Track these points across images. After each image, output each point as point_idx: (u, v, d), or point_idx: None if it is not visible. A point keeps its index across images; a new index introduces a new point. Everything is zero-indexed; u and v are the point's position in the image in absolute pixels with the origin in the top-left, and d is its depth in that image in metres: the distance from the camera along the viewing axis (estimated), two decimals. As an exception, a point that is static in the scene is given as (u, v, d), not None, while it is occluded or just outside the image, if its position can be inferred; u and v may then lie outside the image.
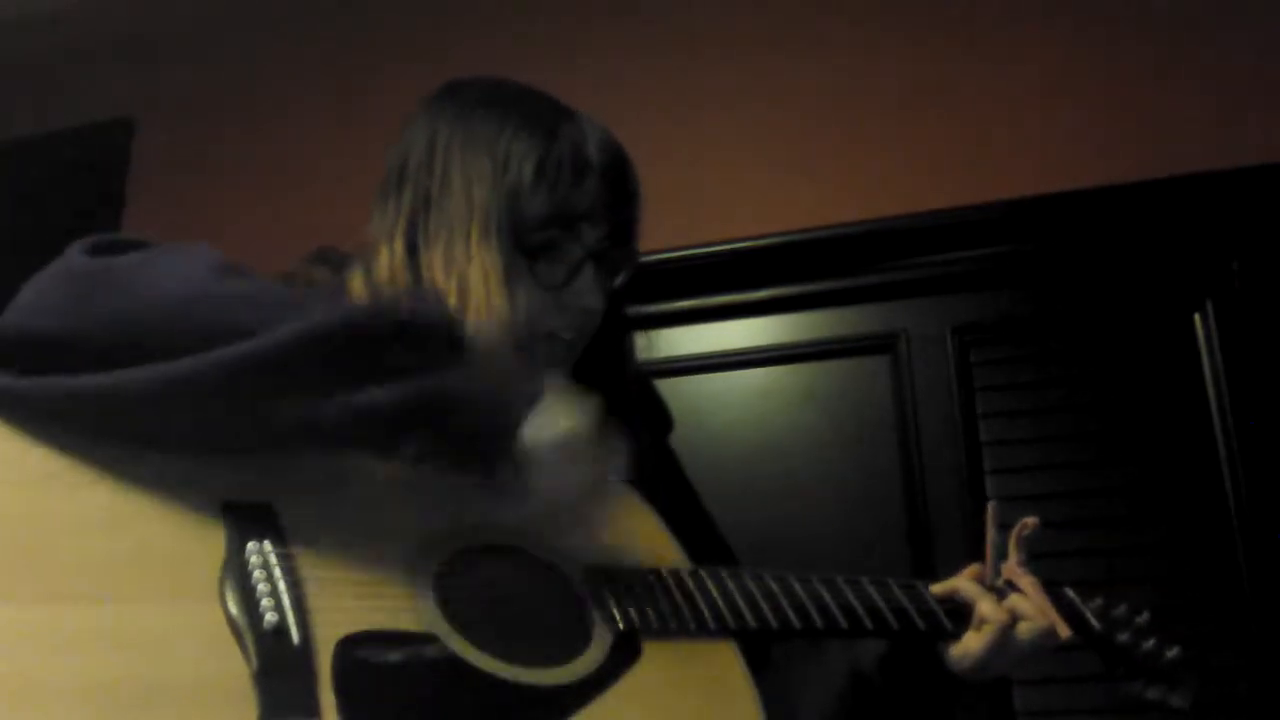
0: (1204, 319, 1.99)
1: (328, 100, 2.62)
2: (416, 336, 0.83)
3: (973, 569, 1.13)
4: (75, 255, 0.87)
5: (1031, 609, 1.06)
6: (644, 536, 1.02)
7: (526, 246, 1.03)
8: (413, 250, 1.03)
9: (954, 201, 2.10)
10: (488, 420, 0.84)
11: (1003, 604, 1.06)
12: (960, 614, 1.07)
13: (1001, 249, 2.10)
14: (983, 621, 1.04)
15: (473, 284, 0.99)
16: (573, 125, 1.07)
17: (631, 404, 1.15)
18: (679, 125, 2.31)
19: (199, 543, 0.81)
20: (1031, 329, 2.09)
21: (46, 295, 0.84)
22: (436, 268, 1.01)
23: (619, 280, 1.10)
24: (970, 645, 1.05)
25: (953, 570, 1.14)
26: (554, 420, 0.85)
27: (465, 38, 2.54)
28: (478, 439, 0.85)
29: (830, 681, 1.12)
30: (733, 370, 2.22)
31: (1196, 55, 2.08)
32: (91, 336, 0.81)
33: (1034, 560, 1.14)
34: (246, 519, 0.84)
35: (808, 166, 2.24)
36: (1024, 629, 1.05)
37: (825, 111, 2.26)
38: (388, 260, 1.03)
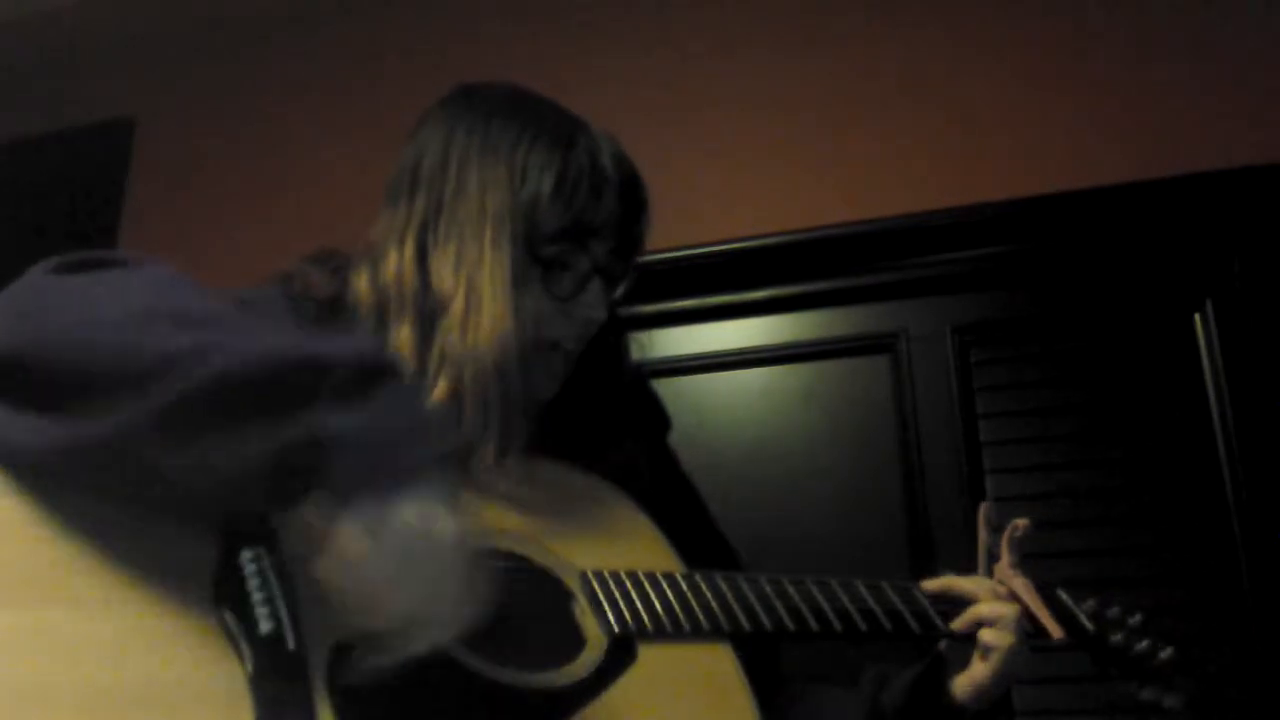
0: (1204, 319, 1.98)
1: (328, 101, 2.62)
2: (318, 369, 0.76)
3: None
4: (37, 273, 0.85)
5: (990, 611, 1.06)
6: (639, 541, 1.02)
7: (539, 258, 1.03)
8: (423, 253, 1.03)
9: (954, 201, 2.10)
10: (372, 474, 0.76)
11: (998, 620, 1.06)
12: (955, 613, 1.08)
13: (1001, 249, 2.10)
14: (988, 649, 1.05)
15: (482, 288, 0.99)
16: (588, 139, 1.07)
17: (627, 405, 1.16)
18: (678, 125, 2.31)
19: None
20: (1031, 329, 2.08)
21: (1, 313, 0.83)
22: (446, 270, 1.01)
23: (618, 292, 1.10)
24: (977, 674, 1.05)
25: (952, 570, 1.14)
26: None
27: (465, 39, 2.55)
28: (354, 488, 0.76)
29: None
30: (733, 370, 2.22)
31: (1196, 55, 2.08)
32: (25, 357, 0.79)
33: (1032, 560, 1.14)
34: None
35: (808, 166, 2.23)
36: (989, 636, 1.05)
37: (824, 111, 2.26)
38: (396, 261, 1.03)
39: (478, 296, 0.99)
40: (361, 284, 1.03)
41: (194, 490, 0.78)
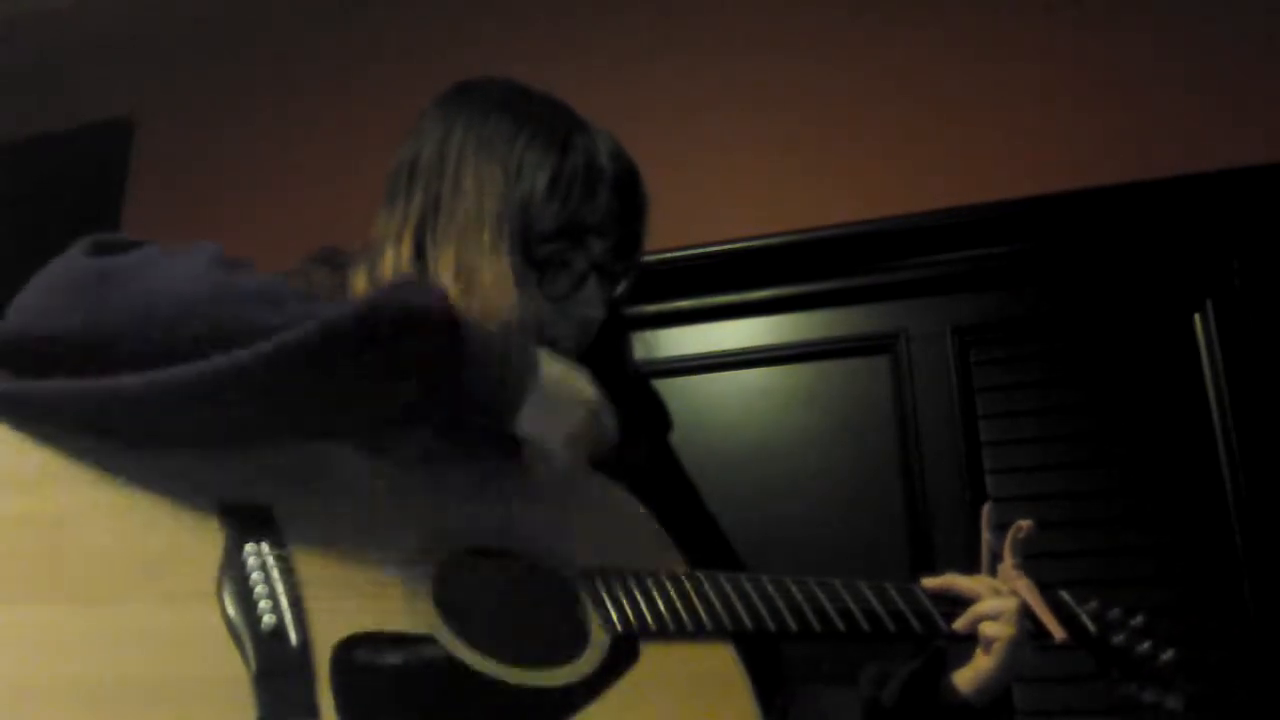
0: (1204, 319, 1.98)
1: (328, 100, 2.62)
2: (416, 326, 0.83)
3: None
4: (76, 255, 0.86)
5: (991, 607, 1.06)
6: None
7: (535, 257, 1.03)
8: (420, 252, 1.03)
9: (954, 201, 2.10)
10: (488, 405, 0.84)
11: (1000, 614, 1.06)
12: (955, 613, 1.08)
13: (1001, 249, 2.10)
14: (990, 641, 1.05)
15: (483, 287, 0.99)
16: (585, 136, 1.07)
17: (629, 405, 1.16)
18: (679, 125, 2.31)
19: (197, 544, 0.81)
20: (1031, 329, 2.08)
21: (47, 296, 0.84)
22: (444, 270, 1.01)
23: (620, 289, 1.10)
24: (980, 667, 1.05)
25: (952, 570, 1.14)
26: (553, 401, 0.85)
27: (465, 38, 2.55)
28: (478, 423, 0.85)
29: None
30: (733, 370, 2.22)
31: (1196, 55, 2.08)
32: (97, 336, 0.80)
33: (1032, 560, 1.14)
34: (245, 520, 0.84)
35: (808, 166, 2.23)
36: (991, 628, 1.05)
37: (825, 111, 2.26)
38: (393, 260, 1.03)
39: (479, 300, 0.98)
40: (360, 283, 1.04)
41: (327, 416, 0.85)
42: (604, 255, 1.07)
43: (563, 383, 0.90)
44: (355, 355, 0.81)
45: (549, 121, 1.07)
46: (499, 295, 0.99)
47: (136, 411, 0.81)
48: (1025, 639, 1.05)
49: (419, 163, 1.07)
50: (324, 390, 0.81)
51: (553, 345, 1.05)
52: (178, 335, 0.80)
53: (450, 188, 1.04)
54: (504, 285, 0.99)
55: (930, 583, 1.10)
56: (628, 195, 1.07)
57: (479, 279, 0.99)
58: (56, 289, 0.84)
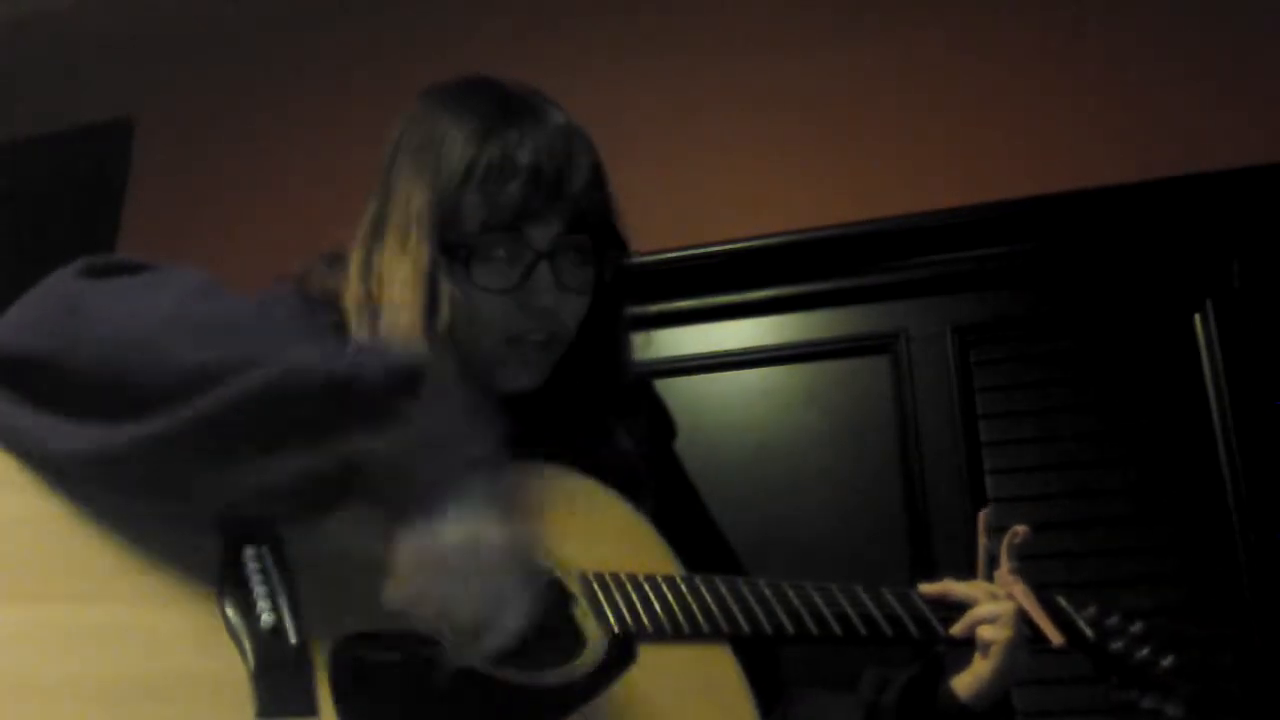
0: (1204, 319, 1.98)
1: (328, 101, 2.62)
2: (349, 393, 0.77)
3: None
4: (66, 276, 0.86)
5: (988, 611, 1.06)
6: (636, 543, 1.02)
7: (463, 250, 1.00)
8: (368, 256, 1.03)
9: (954, 201, 2.10)
10: (415, 490, 0.80)
11: (997, 618, 1.06)
12: (953, 619, 1.08)
13: (1001, 249, 2.10)
14: (987, 645, 1.05)
15: (397, 292, 0.98)
16: (515, 127, 1.02)
17: (629, 407, 1.15)
18: (678, 125, 2.31)
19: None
20: (1031, 329, 2.09)
21: (29, 314, 0.84)
22: (380, 274, 1.01)
23: (607, 273, 1.07)
24: (979, 671, 1.05)
25: (952, 570, 1.14)
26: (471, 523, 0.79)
27: (465, 38, 2.55)
28: (400, 506, 0.80)
29: None
30: (733, 370, 2.22)
31: (1196, 55, 2.08)
32: (61, 362, 0.79)
33: (1032, 561, 1.14)
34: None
35: (808, 166, 2.23)
36: (988, 632, 1.05)
37: (824, 111, 2.26)
38: (353, 265, 1.04)
39: (393, 301, 0.98)
40: (343, 287, 1.04)
41: (216, 501, 0.80)
42: (553, 241, 1.02)
43: (473, 534, 0.78)
44: (299, 405, 0.77)
45: (483, 114, 1.04)
46: (401, 289, 0.98)
47: (88, 469, 0.80)
48: (1023, 642, 1.05)
49: (383, 168, 1.07)
50: (263, 443, 0.78)
51: (517, 341, 1.03)
52: (115, 374, 0.78)
53: (392, 189, 1.04)
54: (410, 279, 0.98)
55: (927, 589, 1.10)
56: (554, 182, 1.01)
57: (395, 281, 0.98)
58: (34, 308, 0.84)
